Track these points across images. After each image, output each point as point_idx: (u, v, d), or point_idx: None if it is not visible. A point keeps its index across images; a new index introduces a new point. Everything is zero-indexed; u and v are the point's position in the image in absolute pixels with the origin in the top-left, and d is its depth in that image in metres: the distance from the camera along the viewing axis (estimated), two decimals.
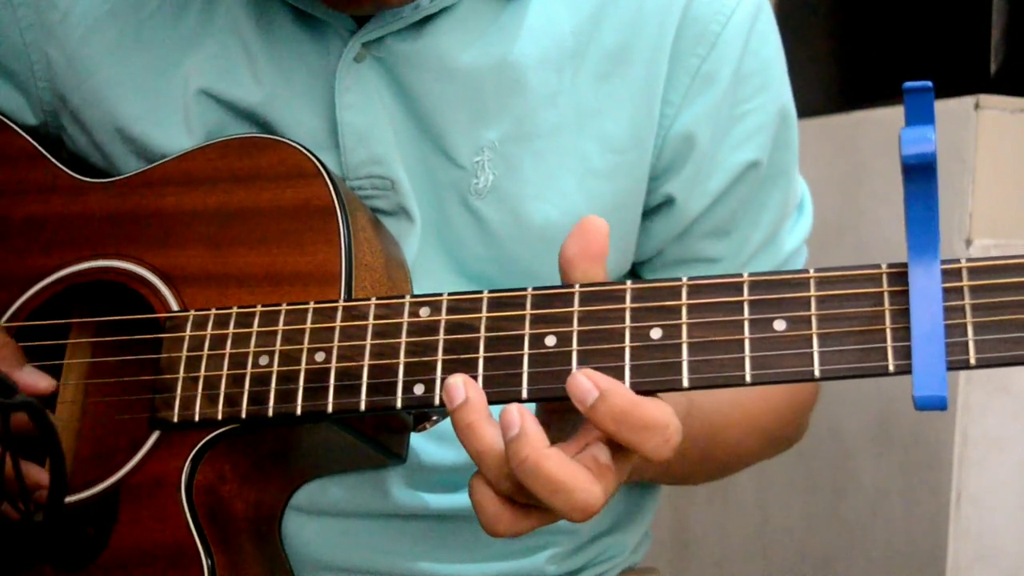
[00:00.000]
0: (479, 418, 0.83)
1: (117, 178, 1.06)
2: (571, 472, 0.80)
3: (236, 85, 1.06)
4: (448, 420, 0.99)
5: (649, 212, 1.14)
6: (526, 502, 0.83)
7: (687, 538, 2.14)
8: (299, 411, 0.92)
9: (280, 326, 0.94)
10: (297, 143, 1.01)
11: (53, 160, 1.08)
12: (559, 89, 1.07)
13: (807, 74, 2.13)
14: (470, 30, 1.05)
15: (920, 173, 0.80)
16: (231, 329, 0.96)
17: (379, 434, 0.98)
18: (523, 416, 0.81)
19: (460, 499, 1.09)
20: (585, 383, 0.81)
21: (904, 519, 1.74)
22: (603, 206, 1.08)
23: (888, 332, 0.81)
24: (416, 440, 1.06)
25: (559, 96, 1.07)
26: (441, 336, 0.90)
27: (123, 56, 1.08)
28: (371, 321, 0.92)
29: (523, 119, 1.06)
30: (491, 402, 0.87)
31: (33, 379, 0.98)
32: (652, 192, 1.12)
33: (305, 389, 0.92)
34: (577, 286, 0.88)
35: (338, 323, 0.93)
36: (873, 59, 1.99)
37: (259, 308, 0.95)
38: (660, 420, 0.81)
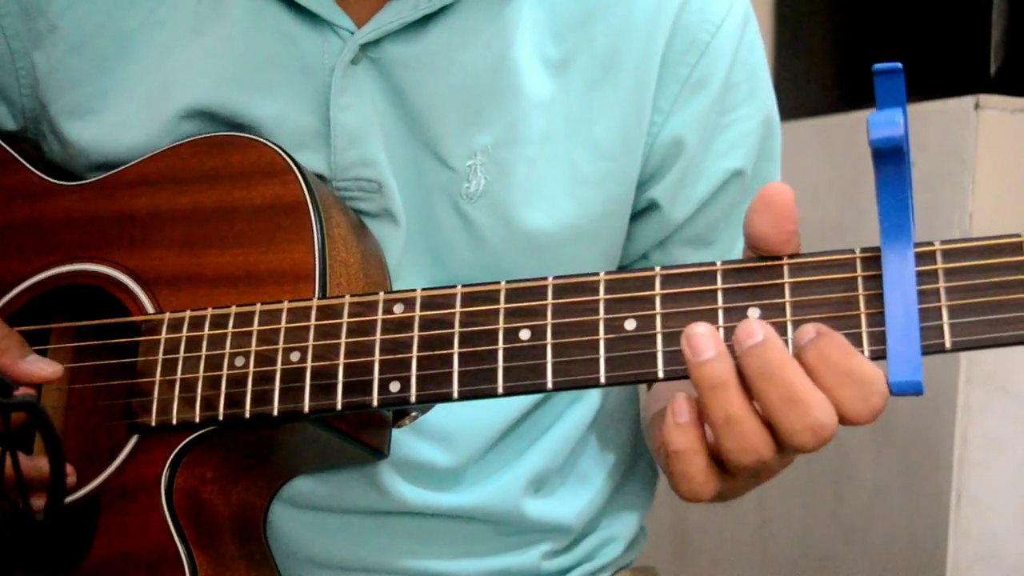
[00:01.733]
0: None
1: (92, 180, 1.05)
2: (811, 387, 0.77)
3: (225, 86, 1.05)
4: (428, 417, 0.99)
5: (634, 216, 1.13)
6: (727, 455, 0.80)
7: (686, 537, 2.14)
8: (275, 412, 0.91)
9: (255, 327, 0.94)
10: (269, 141, 1.01)
11: (27, 165, 1.07)
12: (551, 96, 1.07)
13: (807, 74, 2.13)
14: (469, 30, 1.05)
15: (889, 157, 0.79)
16: (206, 331, 0.95)
17: (359, 431, 0.98)
18: (764, 326, 0.78)
19: (453, 498, 1.09)
20: (810, 330, 0.78)
21: (904, 519, 1.74)
22: (593, 213, 1.08)
23: (863, 317, 0.80)
24: (406, 438, 1.05)
25: (550, 103, 1.07)
26: (415, 333, 0.89)
27: (108, 68, 1.07)
28: (345, 319, 0.91)
29: (516, 124, 1.06)
30: (465, 397, 0.87)
31: (39, 367, 0.98)
32: (637, 197, 1.12)
33: (281, 390, 0.91)
34: (550, 278, 0.87)
35: (313, 322, 0.92)
36: (873, 59, 1.98)
37: (234, 309, 0.95)
38: (862, 368, 0.77)
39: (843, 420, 0.78)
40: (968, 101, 1.68)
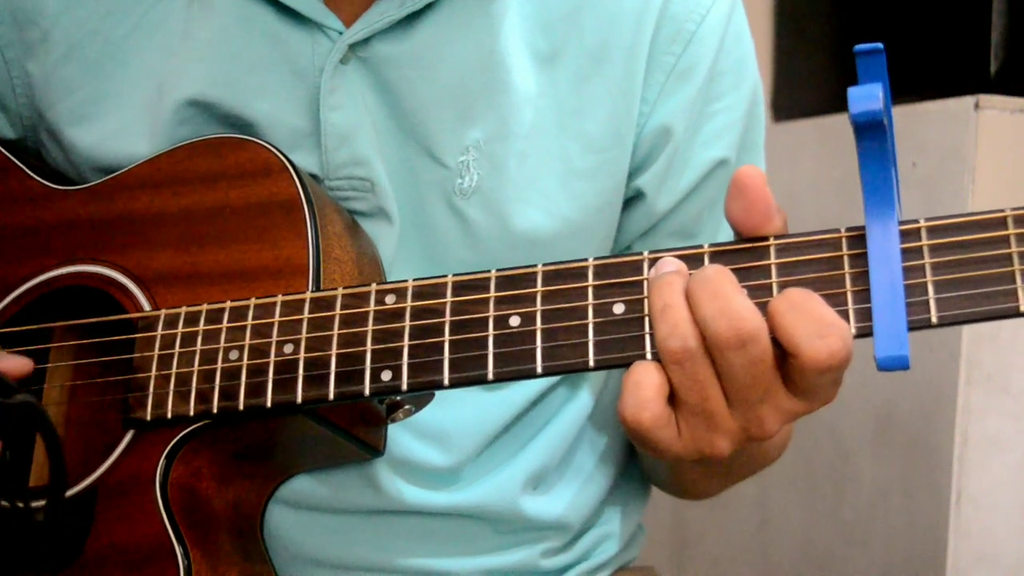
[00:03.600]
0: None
1: (90, 184, 1.06)
2: (741, 294, 0.81)
3: (216, 89, 1.05)
4: (424, 416, 0.99)
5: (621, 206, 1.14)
6: (697, 401, 0.82)
7: (686, 537, 2.14)
8: (269, 403, 0.92)
9: (249, 320, 0.94)
10: (264, 141, 1.01)
11: (25, 169, 1.08)
12: (540, 90, 1.07)
13: (807, 74, 2.13)
14: (456, 26, 1.05)
15: (870, 132, 0.80)
16: (201, 326, 0.96)
17: (354, 426, 0.98)
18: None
19: (450, 496, 1.09)
20: None
21: (904, 519, 1.74)
22: (586, 206, 1.09)
23: (849, 295, 0.81)
24: (403, 438, 1.06)
25: (540, 97, 1.07)
26: (407, 322, 0.90)
27: (102, 74, 1.08)
28: (338, 311, 0.92)
29: (507, 118, 1.06)
30: (456, 384, 0.87)
31: (9, 364, 0.98)
32: (626, 186, 1.12)
33: (274, 381, 0.92)
34: (540, 265, 0.88)
35: (306, 315, 0.93)
36: None
37: (228, 304, 0.96)
38: (826, 315, 0.79)
39: (802, 364, 0.80)
40: (968, 101, 1.68)
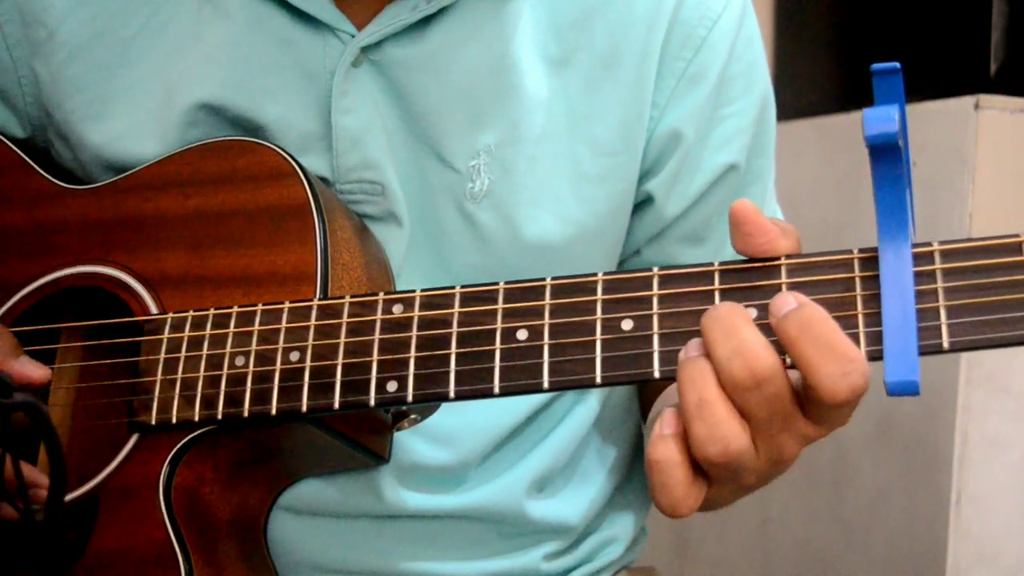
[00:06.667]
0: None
1: (100, 184, 1.06)
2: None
3: (227, 92, 1.05)
4: (432, 419, 0.99)
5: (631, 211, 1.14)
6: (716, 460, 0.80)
7: (686, 538, 2.14)
8: (274, 411, 0.92)
9: (256, 326, 0.94)
10: (275, 145, 1.01)
11: (37, 168, 1.08)
12: (551, 94, 1.07)
13: (807, 74, 2.14)
14: (469, 30, 1.05)
15: (885, 154, 0.78)
16: (208, 331, 0.95)
17: (359, 434, 0.98)
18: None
19: (454, 499, 1.09)
20: (788, 298, 0.78)
21: (904, 519, 1.74)
22: (596, 211, 1.08)
23: (860, 318, 0.80)
24: (409, 440, 1.05)
25: (551, 101, 1.07)
26: (414, 333, 0.89)
27: (109, 74, 1.07)
28: (345, 319, 0.92)
29: (518, 123, 1.06)
30: (462, 397, 0.87)
31: (28, 369, 0.99)
32: (635, 191, 1.12)
33: (280, 389, 0.92)
34: (548, 279, 0.87)
35: (313, 322, 0.92)
36: (873, 59, 1.98)
37: (235, 309, 0.95)
38: (848, 350, 0.77)
39: (820, 398, 0.78)
40: (968, 101, 1.69)
